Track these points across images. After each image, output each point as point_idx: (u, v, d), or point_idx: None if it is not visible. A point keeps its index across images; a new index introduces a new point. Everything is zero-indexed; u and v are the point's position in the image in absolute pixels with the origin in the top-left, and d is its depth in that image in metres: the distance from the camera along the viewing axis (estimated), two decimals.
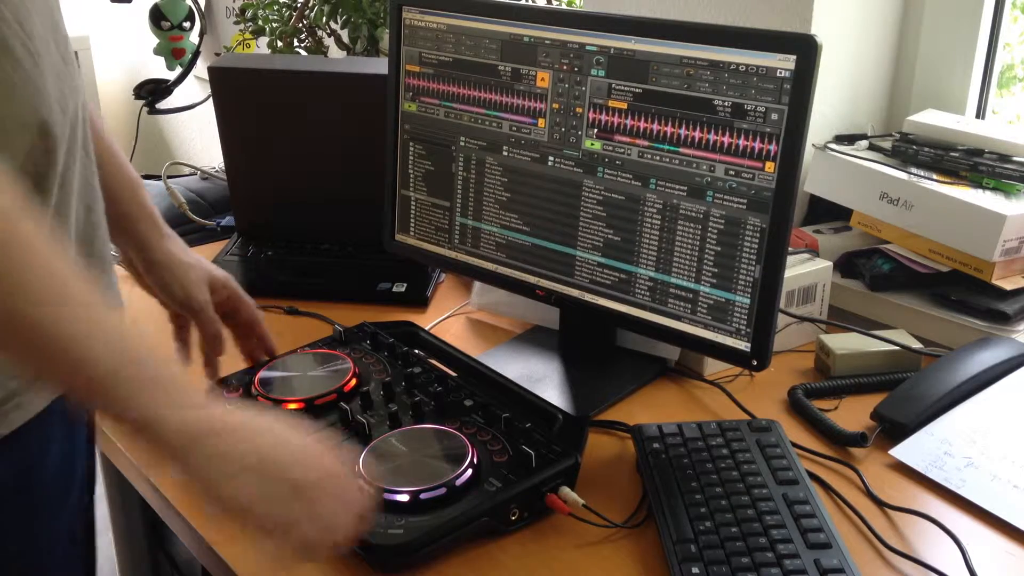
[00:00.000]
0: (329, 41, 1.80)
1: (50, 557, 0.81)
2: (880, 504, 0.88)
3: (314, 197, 1.41)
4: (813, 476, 0.90)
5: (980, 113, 1.35)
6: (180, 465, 0.65)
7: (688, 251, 0.96)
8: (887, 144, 1.28)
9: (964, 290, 1.15)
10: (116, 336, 0.63)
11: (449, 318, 1.25)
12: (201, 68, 1.92)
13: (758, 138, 0.89)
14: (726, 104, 0.90)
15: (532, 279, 1.08)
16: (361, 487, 0.74)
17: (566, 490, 0.85)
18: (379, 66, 1.27)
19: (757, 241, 0.91)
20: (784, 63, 0.86)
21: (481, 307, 1.26)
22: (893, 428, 0.97)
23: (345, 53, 1.77)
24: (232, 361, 1.11)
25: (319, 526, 0.68)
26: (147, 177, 1.76)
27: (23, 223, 0.59)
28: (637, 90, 0.95)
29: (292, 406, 0.96)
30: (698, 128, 0.92)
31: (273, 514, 0.67)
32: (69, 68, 0.74)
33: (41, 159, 0.70)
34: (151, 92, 1.78)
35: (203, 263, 0.99)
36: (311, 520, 0.68)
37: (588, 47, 0.98)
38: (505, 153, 1.06)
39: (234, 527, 0.69)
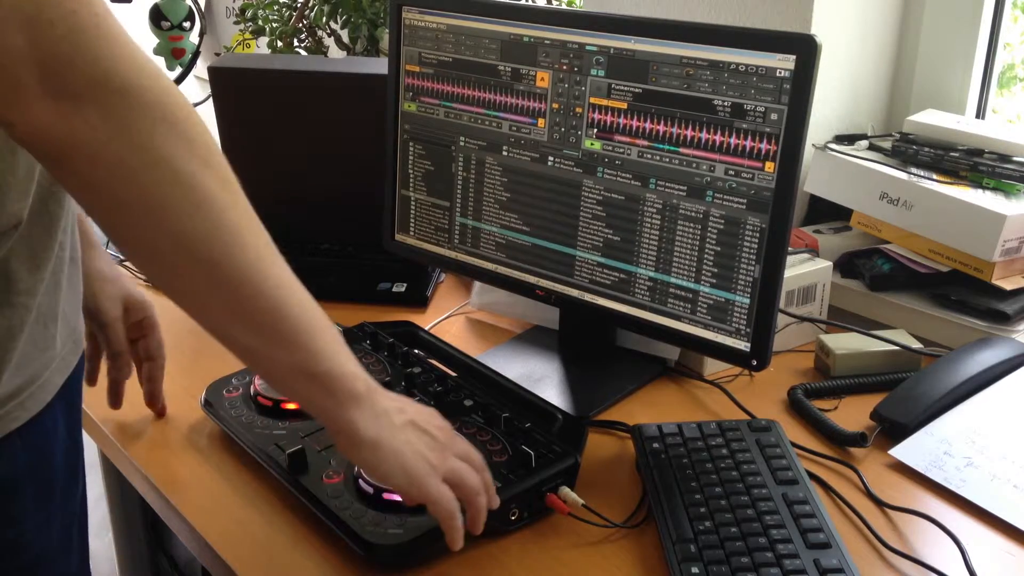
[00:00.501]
0: (329, 41, 1.80)
1: (63, 543, 0.82)
2: (880, 504, 0.88)
3: (314, 197, 1.41)
4: (813, 476, 0.90)
5: (980, 113, 1.35)
6: (355, 414, 0.69)
7: (688, 251, 0.96)
8: (887, 144, 1.28)
9: (964, 290, 1.15)
10: (300, 288, 0.68)
11: (449, 318, 1.25)
12: (201, 68, 1.92)
13: (758, 138, 0.89)
14: (726, 104, 0.90)
15: (532, 279, 1.08)
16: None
17: (566, 490, 0.85)
18: (379, 66, 1.27)
19: (757, 241, 0.91)
20: (784, 63, 0.86)
21: (481, 307, 1.26)
22: (893, 428, 0.97)
23: (345, 53, 1.77)
24: (231, 361, 1.11)
25: (462, 464, 0.75)
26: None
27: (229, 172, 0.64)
28: (637, 90, 0.95)
29: (292, 406, 0.96)
30: (698, 128, 0.92)
31: (432, 461, 0.73)
32: None
33: None
34: None
35: (123, 280, 0.97)
36: (456, 463, 0.75)
37: (588, 47, 0.98)
38: (505, 153, 1.06)
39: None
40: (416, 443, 0.72)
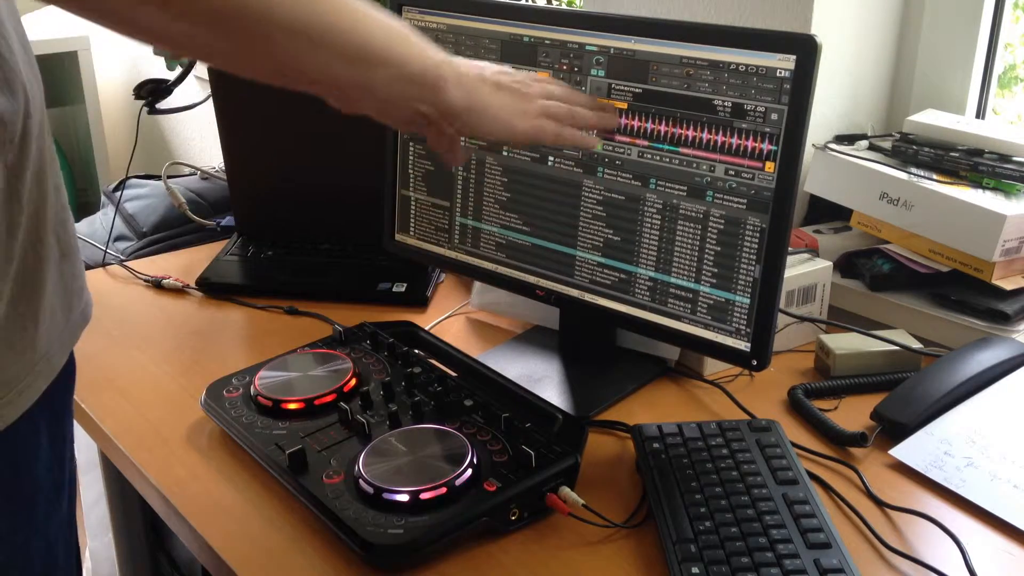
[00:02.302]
0: None
1: (46, 565, 0.80)
2: (880, 504, 0.88)
3: (314, 197, 1.41)
4: (813, 476, 0.90)
5: (980, 113, 1.35)
6: (450, 93, 0.79)
7: (688, 251, 0.96)
8: (887, 144, 1.28)
9: (964, 290, 1.15)
10: (371, 9, 0.74)
11: (449, 318, 1.25)
12: (201, 68, 1.92)
13: (758, 138, 0.89)
14: (726, 104, 0.90)
15: (532, 279, 1.08)
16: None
17: (566, 490, 0.85)
18: None
19: (757, 241, 0.91)
20: (784, 63, 0.86)
21: (481, 307, 1.26)
22: (893, 428, 0.97)
23: None
24: (231, 361, 1.11)
25: (547, 103, 0.88)
26: (147, 177, 1.76)
27: None
28: (637, 90, 0.95)
29: (292, 406, 0.96)
30: (698, 128, 0.92)
31: (521, 108, 0.86)
32: (33, 64, 0.74)
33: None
34: (151, 92, 1.77)
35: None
36: (540, 104, 0.88)
37: (588, 47, 0.98)
38: (505, 153, 1.06)
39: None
40: (503, 97, 0.84)
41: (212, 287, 1.32)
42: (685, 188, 0.94)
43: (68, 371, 0.81)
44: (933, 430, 0.97)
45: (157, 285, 1.33)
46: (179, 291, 1.32)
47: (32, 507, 0.77)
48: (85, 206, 2.76)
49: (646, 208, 0.97)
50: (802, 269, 1.15)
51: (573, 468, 0.87)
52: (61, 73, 2.71)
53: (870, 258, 1.23)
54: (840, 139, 1.33)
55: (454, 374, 1.02)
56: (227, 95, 1.39)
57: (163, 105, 1.78)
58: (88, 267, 1.41)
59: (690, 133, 0.93)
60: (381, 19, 0.76)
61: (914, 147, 1.23)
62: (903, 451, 0.94)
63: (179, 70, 1.80)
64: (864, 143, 1.32)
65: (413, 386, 0.99)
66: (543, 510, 0.85)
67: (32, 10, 2.35)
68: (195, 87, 2.15)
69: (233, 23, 0.68)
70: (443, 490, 0.82)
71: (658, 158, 0.95)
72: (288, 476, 0.87)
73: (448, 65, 0.80)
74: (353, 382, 1.00)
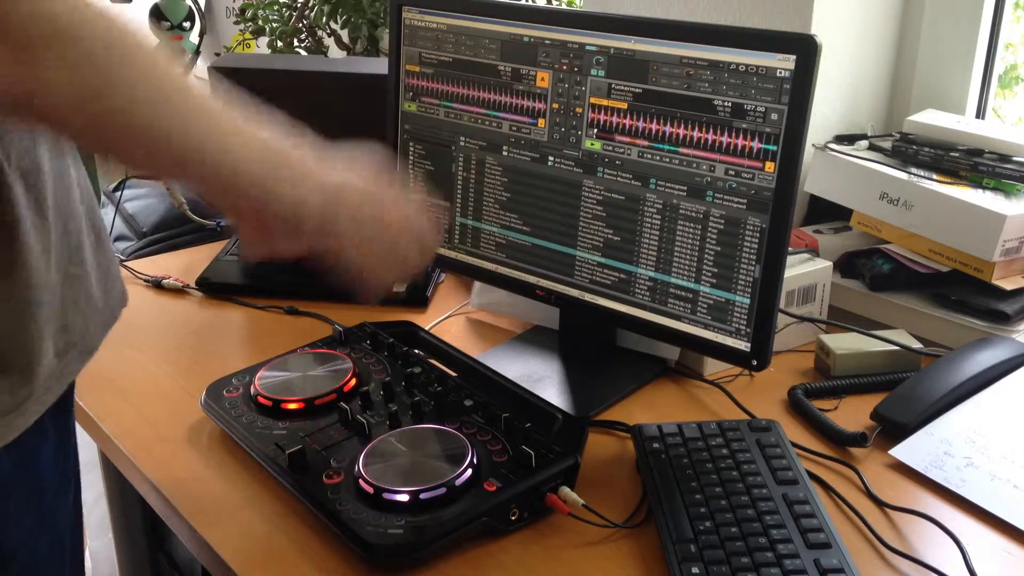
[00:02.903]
0: (329, 41, 1.80)
1: (53, 553, 0.81)
2: (880, 504, 0.88)
3: None
4: (813, 476, 0.90)
5: (980, 113, 1.35)
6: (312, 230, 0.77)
7: (688, 251, 0.96)
8: (887, 144, 1.28)
9: (964, 290, 1.15)
10: (219, 123, 0.71)
11: (449, 318, 1.25)
12: (201, 68, 1.92)
13: (758, 138, 0.89)
14: (726, 104, 0.90)
15: (532, 279, 1.08)
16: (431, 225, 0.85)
17: (566, 490, 0.85)
18: (379, 66, 1.27)
19: (757, 241, 0.91)
20: (784, 63, 0.86)
21: (481, 307, 1.26)
22: (893, 428, 0.97)
23: (345, 53, 1.77)
24: (231, 361, 1.11)
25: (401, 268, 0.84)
26: (147, 177, 1.76)
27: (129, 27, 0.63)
28: (637, 90, 0.95)
29: (292, 406, 0.96)
30: (698, 128, 0.92)
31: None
32: None
33: None
34: None
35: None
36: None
37: (588, 47, 0.98)
38: (505, 153, 1.06)
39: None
40: (369, 243, 0.83)
41: (212, 287, 1.32)
42: (685, 188, 0.94)
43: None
44: (933, 430, 0.97)
45: (157, 285, 1.33)
46: (179, 291, 1.32)
47: (39, 498, 0.78)
48: None
49: (646, 208, 0.97)
50: (802, 269, 1.15)
51: (573, 468, 0.87)
52: None
53: (870, 258, 1.23)
54: (840, 139, 1.33)
55: (454, 374, 1.02)
56: (227, 95, 1.38)
57: None
58: None
59: (690, 133, 0.93)
60: (258, 144, 0.73)
61: (914, 147, 1.23)
62: (903, 451, 0.94)
63: None
64: (864, 143, 1.32)
65: (413, 386, 0.99)
66: (543, 510, 0.85)
67: None
68: None
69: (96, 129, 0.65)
70: (443, 490, 0.82)
71: (658, 158, 0.95)
72: (288, 476, 0.87)
73: (311, 206, 0.76)
74: (353, 382, 1.00)
